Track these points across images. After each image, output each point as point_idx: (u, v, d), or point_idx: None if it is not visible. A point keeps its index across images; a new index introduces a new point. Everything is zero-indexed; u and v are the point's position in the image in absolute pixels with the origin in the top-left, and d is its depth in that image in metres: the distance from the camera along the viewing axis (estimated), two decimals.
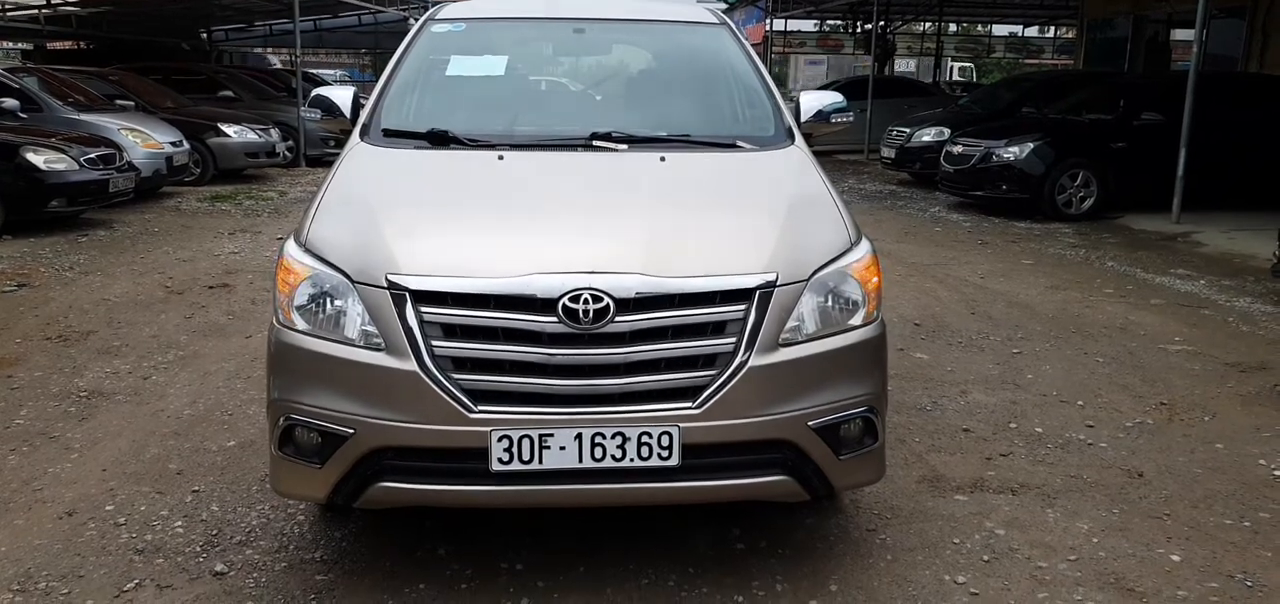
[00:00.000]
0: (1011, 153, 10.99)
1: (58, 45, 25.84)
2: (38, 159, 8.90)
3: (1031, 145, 10.94)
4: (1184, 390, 4.97)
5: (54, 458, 3.94)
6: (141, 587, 2.98)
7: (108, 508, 3.50)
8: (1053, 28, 36.00)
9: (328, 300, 2.73)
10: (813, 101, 3.86)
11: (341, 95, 3.85)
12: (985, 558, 3.22)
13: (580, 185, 3.22)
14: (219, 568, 3.08)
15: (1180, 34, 18.39)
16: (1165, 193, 10.38)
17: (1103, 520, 3.50)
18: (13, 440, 4.11)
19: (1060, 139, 11.13)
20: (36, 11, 20.07)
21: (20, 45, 28.02)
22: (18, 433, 4.20)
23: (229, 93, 16.90)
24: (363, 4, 20.12)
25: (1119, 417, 4.58)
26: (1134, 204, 10.99)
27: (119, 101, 12.86)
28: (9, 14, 20.30)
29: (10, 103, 10.65)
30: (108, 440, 4.14)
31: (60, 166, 9.04)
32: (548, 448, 2.58)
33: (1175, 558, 3.24)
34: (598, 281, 2.59)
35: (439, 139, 3.47)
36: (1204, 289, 7.41)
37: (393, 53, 4.03)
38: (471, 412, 2.57)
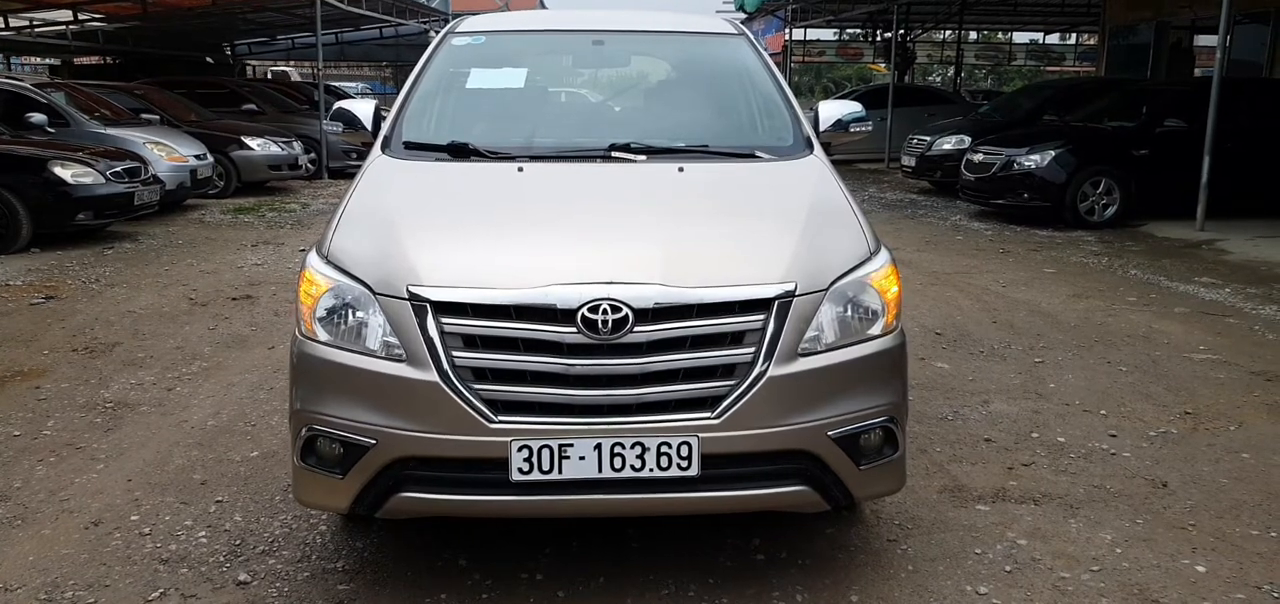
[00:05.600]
0: (1033, 161, 10.94)
1: (84, 61, 26.22)
2: (65, 173, 9.04)
3: (1053, 153, 10.89)
4: (1209, 399, 4.92)
5: (80, 468, 3.99)
6: (166, 596, 3.01)
7: (133, 518, 3.53)
8: (1074, 35, 35.78)
9: (349, 312, 2.75)
10: (831, 111, 3.84)
11: (363, 108, 3.87)
12: (1007, 569, 3.19)
13: (599, 196, 3.24)
14: (242, 577, 3.10)
15: (1203, 40, 18.26)
16: (1189, 200, 10.30)
17: (1126, 531, 3.47)
18: (40, 451, 4.17)
19: (1082, 147, 11.07)
20: (64, 28, 20.40)
21: (48, 61, 28.43)
22: (45, 443, 4.26)
23: (252, 106, 17.07)
24: (384, 17, 20.30)
25: (1142, 426, 4.54)
26: (1157, 212, 10.90)
27: (144, 115, 13.02)
28: (37, 30, 20.64)
29: (39, 117, 10.85)
30: (133, 451, 4.18)
31: (87, 180, 9.17)
32: (567, 458, 2.59)
33: (1200, 569, 3.21)
34: (616, 292, 2.59)
35: (459, 151, 3.50)
36: (1229, 297, 7.33)
37: (414, 65, 4.06)
38: (492, 422, 2.59)
